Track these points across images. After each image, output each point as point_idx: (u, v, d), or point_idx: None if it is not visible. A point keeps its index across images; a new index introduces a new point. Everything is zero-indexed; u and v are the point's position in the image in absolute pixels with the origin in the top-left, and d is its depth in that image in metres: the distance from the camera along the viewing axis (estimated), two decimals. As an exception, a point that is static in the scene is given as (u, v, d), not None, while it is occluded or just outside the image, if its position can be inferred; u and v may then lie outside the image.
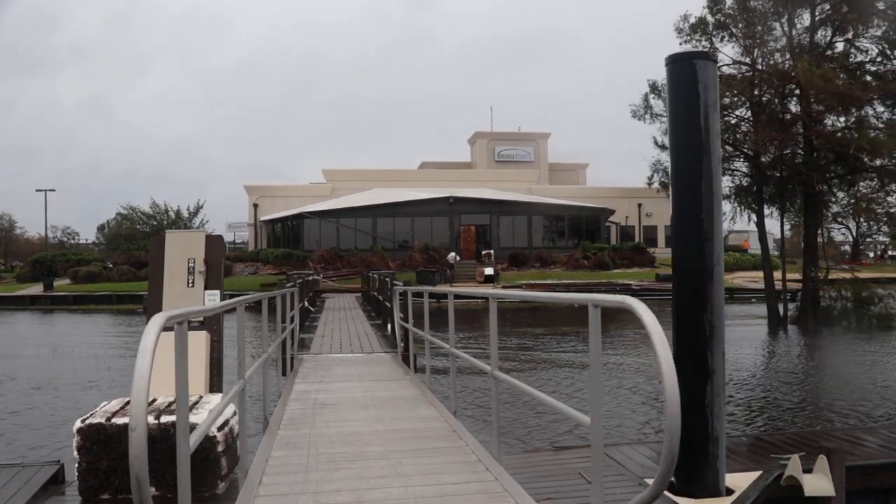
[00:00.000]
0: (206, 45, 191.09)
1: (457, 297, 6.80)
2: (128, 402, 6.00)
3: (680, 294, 5.67)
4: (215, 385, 6.57)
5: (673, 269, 5.90)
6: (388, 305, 16.39)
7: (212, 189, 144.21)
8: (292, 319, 12.47)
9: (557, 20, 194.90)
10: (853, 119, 22.90)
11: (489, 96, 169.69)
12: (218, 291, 6.71)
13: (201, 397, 6.04)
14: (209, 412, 5.51)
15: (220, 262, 6.78)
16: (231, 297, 23.77)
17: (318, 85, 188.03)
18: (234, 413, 5.70)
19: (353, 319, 20.57)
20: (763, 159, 24.89)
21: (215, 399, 5.97)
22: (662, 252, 56.16)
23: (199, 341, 6.23)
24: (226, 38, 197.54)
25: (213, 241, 6.79)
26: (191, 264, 6.63)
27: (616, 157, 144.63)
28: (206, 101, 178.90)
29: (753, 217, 26.65)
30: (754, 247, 68.30)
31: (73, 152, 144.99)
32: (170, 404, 5.78)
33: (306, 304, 20.09)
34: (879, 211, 25.94)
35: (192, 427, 5.52)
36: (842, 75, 23.11)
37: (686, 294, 5.57)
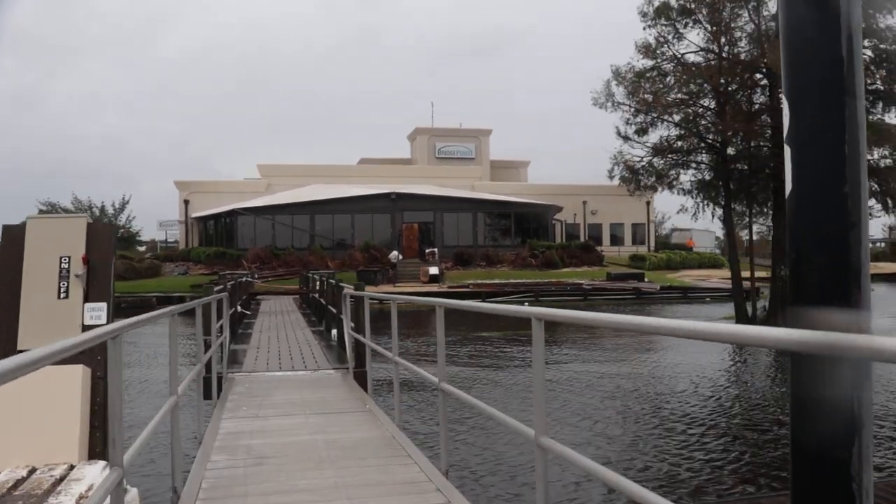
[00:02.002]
0: (145, 36, 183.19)
1: (492, 313, 4.82)
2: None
3: (804, 307, 3.81)
4: (98, 444, 4.46)
5: (792, 270, 4.02)
6: (334, 311, 14.37)
7: (145, 186, 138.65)
8: (221, 331, 10.38)
9: (504, 20, 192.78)
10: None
11: (432, 94, 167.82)
12: (104, 305, 4.61)
13: (72, 468, 3.95)
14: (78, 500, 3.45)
15: (109, 261, 4.67)
16: (160, 301, 21.44)
17: (262, 81, 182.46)
18: (126, 488, 3.64)
19: (292, 325, 18.42)
20: (730, 150, 23.55)
21: (92, 473, 3.90)
22: (609, 250, 55.09)
23: (70, 380, 4.14)
24: (167, 30, 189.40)
25: (98, 232, 4.66)
26: (64, 265, 4.51)
27: (558, 155, 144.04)
28: (142, 95, 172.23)
29: (718, 212, 25.33)
30: (699, 244, 68.05)
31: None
32: (17, 483, 3.68)
33: (239, 308, 17.88)
34: None
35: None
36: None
37: (815, 308, 3.70)
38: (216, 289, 11.02)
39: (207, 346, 9.74)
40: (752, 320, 23.41)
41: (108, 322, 4.89)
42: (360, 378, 10.08)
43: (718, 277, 49.54)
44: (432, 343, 20.59)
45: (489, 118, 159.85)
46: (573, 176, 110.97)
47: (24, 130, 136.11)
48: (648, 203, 60.19)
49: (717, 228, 67.04)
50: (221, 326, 10.61)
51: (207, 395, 8.95)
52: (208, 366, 9.58)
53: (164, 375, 13.43)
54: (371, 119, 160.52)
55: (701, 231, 74.41)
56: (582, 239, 56.72)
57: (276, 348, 13.31)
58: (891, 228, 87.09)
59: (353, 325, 10.63)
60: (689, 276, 48.94)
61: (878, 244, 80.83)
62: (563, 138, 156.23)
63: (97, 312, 4.58)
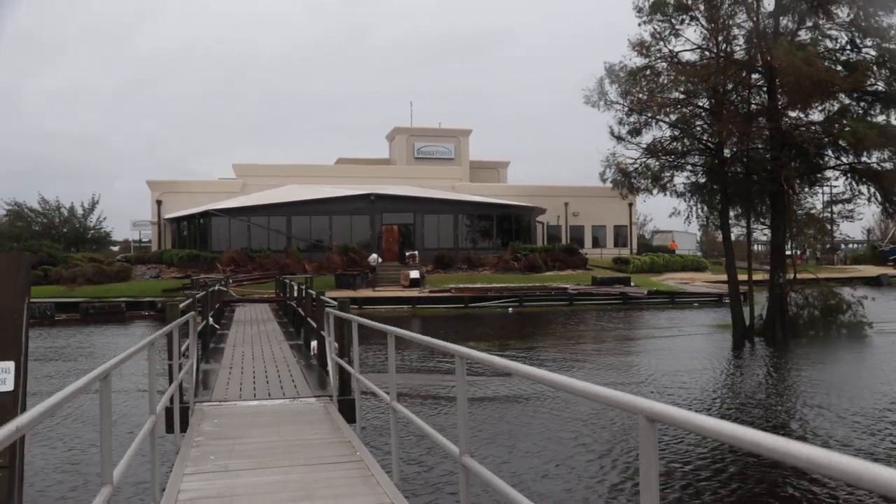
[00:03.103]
0: (126, 34, 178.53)
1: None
2: None
3: None
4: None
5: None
6: (314, 325, 13.21)
7: (123, 185, 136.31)
8: (186, 355, 9.21)
9: (491, 21, 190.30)
10: (836, 109, 20.82)
11: (415, 95, 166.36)
12: (11, 364, 3.42)
13: None
14: None
15: (20, 303, 3.47)
16: (129, 306, 20.16)
17: (245, 79, 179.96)
18: None
19: (268, 338, 17.21)
20: (726, 152, 22.66)
21: None
22: (591, 253, 54.21)
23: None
24: (148, 28, 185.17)
25: (2, 266, 3.43)
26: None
27: (538, 157, 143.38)
28: (122, 94, 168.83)
29: (711, 217, 24.39)
30: (682, 247, 67.47)
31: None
32: None
33: (210, 321, 16.61)
34: (800, 213, 24.29)
35: None
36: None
37: None
38: (182, 305, 9.79)
39: (172, 373, 8.59)
40: (749, 329, 22.50)
41: (16, 387, 3.70)
42: (346, 408, 8.94)
43: (702, 280, 48.87)
44: (414, 354, 19.40)
45: (470, 119, 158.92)
46: (553, 177, 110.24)
47: (1, 128, 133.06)
48: (631, 205, 59.51)
49: (697, 230, 66.43)
50: (186, 351, 9.43)
51: (170, 427, 7.83)
52: (176, 395, 8.42)
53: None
54: (351, 119, 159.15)
55: (681, 233, 73.89)
56: (564, 241, 55.83)
57: (251, 368, 12.10)
58: (869, 231, 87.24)
59: (336, 346, 9.47)
60: (672, 279, 48.19)
61: (856, 246, 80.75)
62: (544, 140, 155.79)
63: (1, 375, 3.42)
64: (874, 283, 50.06)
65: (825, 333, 22.43)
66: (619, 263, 50.61)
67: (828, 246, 66.96)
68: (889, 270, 60.20)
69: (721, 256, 71.44)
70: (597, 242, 59.79)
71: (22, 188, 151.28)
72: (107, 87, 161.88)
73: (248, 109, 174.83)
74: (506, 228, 51.24)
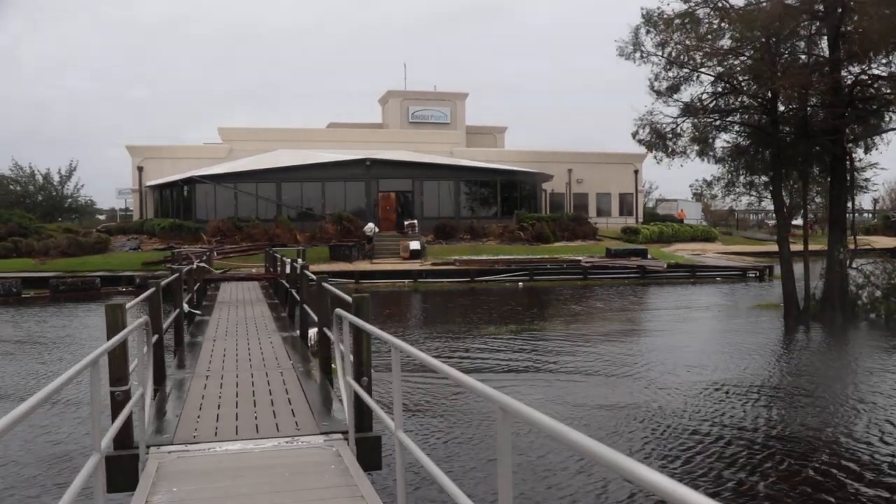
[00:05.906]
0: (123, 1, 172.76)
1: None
2: None
3: None
4: None
5: None
6: (314, 316, 10.51)
7: (112, 153, 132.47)
8: (120, 381, 6.49)
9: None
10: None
11: (410, 60, 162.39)
12: None
13: None
14: None
15: None
16: (105, 281, 16.90)
17: (240, 46, 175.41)
18: None
19: (256, 328, 14.38)
20: (782, 109, 19.87)
21: None
22: (598, 222, 51.50)
23: None
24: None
25: None
26: None
27: (532, 123, 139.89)
28: (115, 58, 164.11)
29: (758, 184, 21.66)
30: (688, 216, 64.78)
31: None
32: None
33: (187, 308, 13.81)
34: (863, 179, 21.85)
35: None
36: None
37: None
38: (129, 305, 6.98)
39: (118, 400, 5.93)
40: (804, 311, 19.86)
41: None
42: (367, 453, 6.27)
43: (714, 252, 46.36)
44: (429, 337, 16.53)
45: (465, 85, 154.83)
46: (551, 145, 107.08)
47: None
48: (637, 171, 56.88)
49: (691, 198, 63.48)
50: (135, 367, 6.66)
51: (112, 483, 5.25)
52: (124, 435, 5.83)
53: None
54: (345, 86, 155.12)
55: (686, 202, 71.19)
56: (568, 210, 53.08)
57: (234, 378, 9.32)
58: (876, 201, 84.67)
59: (352, 360, 6.71)
60: (683, 250, 45.66)
61: (867, 215, 78.34)
62: (540, 108, 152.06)
63: None
64: (892, 254, 47.30)
65: (887, 317, 19.86)
66: (629, 233, 47.97)
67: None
68: (903, 241, 57.79)
69: (728, 226, 68.97)
70: (601, 211, 57.06)
71: (19, 153, 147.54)
72: (104, 53, 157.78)
73: (241, 77, 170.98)
74: (510, 196, 48.44)
